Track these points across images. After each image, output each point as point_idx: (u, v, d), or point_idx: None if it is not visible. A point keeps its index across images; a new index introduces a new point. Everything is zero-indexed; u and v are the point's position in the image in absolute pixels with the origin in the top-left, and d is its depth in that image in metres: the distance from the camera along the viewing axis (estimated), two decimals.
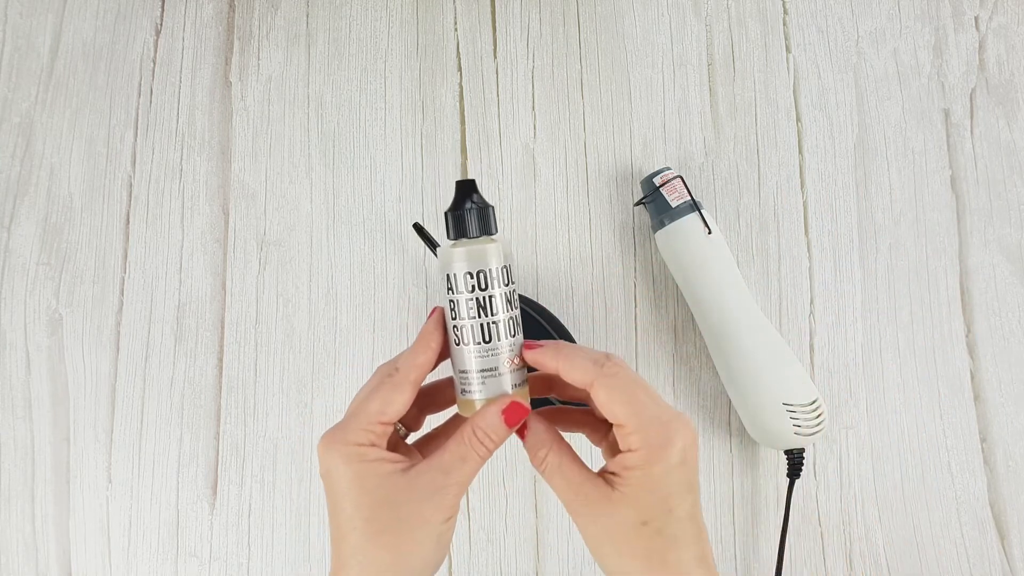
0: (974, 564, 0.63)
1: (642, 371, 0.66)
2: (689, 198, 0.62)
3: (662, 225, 0.63)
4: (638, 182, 0.69)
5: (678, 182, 0.63)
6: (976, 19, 0.72)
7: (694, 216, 0.62)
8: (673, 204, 0.62)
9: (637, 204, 0.65)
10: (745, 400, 0.60)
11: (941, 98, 0.71)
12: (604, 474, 0.38)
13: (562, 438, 0.41)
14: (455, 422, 0.45)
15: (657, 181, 0.63)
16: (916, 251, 0.68)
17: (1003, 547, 0.63)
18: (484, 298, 0.40)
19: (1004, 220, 0.68)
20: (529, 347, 0.40)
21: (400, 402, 0.39)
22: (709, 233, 0.61)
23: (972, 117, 0.70)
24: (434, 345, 0.41)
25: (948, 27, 0.72)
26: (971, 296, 0.67)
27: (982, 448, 0.65)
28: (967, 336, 0.67)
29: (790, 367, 0.59)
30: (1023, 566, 0.63)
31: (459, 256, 0.40)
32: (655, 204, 0.63)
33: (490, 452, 0.39)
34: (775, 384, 0.58)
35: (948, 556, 0.63)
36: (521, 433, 0.41)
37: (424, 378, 0.41)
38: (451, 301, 0.41)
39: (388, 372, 0.40)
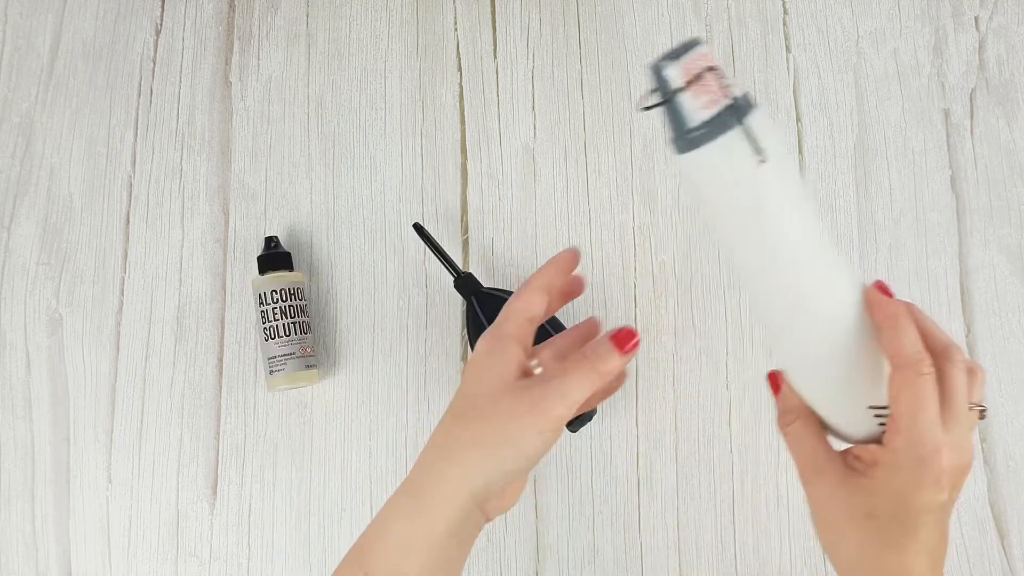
0: (974, 564, 0.63)
1: (642, 371, 0.66)
2: (727, 101, 0.34)
3: (685, 149, 0.36)
4: (627, 186, 0.69)
5: (711, 76, 0.34)
6: (976, 19, 0.72)
7: (734, 135, 0.34)
8: (696, 118, 0.34)
9: (646, 109, 0.36)
10: (821, 405, 0.42)
11: (941, 98, 0.71)
12: (849, 454, 0.39)
13: (809, 409, 0.41)
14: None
15: (675, 73, 0.34)
16: (916, 251, 0.68)
17: (1003, 547, 0.63)
18: None
19: (1004, 220, 0.68)
20: (882, 288, 0.38)
21: (535, 299, 0.42)
22: (762, 162, 0.34)
23: (972, 117, 0.70)
24: (565, 257, 0.45)
25: (948, 27, 0.72)
26: (971, 296, 0.67)
27: (982, 448, 0.65)
28: (967, 336, 0.67)
29: (877, 360, 0.39)
30: (1023, 566, 0.63)
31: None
32: (671, 113, 0.35)
33: (598, 372, 0.39)
34: (859, 386, 0.39)
35: (948, 556, 0.63)
36: (775, 389, 0.42)
37: (551, 286, 0.44)
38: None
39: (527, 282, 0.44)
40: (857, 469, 0.38)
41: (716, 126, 0.34)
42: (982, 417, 0.38)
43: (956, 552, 0.63)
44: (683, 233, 0.69)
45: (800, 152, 0.70)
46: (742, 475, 0.64)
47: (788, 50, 0.72)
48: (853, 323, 0.37)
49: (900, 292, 0.68)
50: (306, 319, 0.66)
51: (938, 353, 0.37)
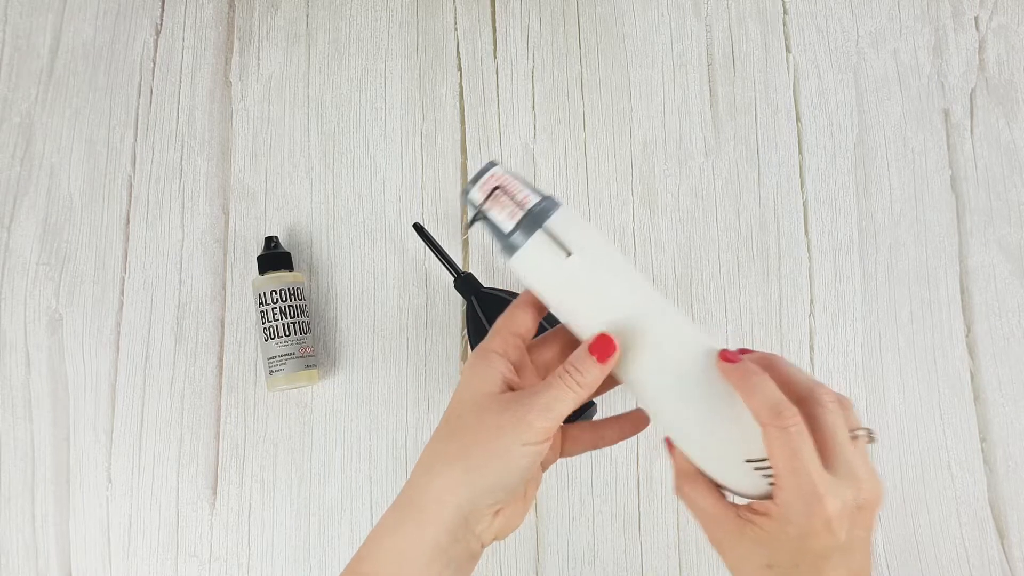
0: (974, 564, 0.63)
1: None
2: (522, 212, 0.39)
3: (509, 255, 0.40)
4: (627, 186, 0.69)
5: (501, 194, 0.39)
6: (976, 19, 0.72)
7: (537, 237, 0.39)
8: (506, 228, 0.39)
9: (469, 226, 0.42)
10: (704, 464, 0.41)
11: (941, 98, 0.71)
12: (745, 509, 0.39)
13: (698, 471, 0.41)
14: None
15: (476, 194, 0.40)
16: (916, 251, 0.68)
17: (1003, 547, 0.63)
18: None
19: (1004, 220, 0.68)
20: (726, 358, 0.39)
21: (522, 315, 0.43)
22: (568, 255, 0.39)
23: (972, 117, 0.70)
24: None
25: (948, 27, 0.72)
26: (971, 296, 0.67)
27: (982, 448, 0.65)
28: (967, 336, 0.67)
29: (740, 409, 0.38)
30: (1023, 566, 0.63)
31: None
32: (489, 228, 0.40)
33: (579, 385, 0.40)
34: (731, 442, 0.40)
35: (948, 556, 0.63)
36: (670, 453, 0.43)
37: (542, 308, 0.44)
38: None
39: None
40: (752, 522, 0.38)
41: (522, 233, 0.39)
42: (871, 440, 0.38)
43: (956, 552, 0.63)
44: (683, 233, 0.69)
45: (800, 152, 0.70)
46: None
47: (788, 50, 0.72)
48: (706, 382, 0.39)
49: (900, 292, 0.68)
50: (306, 319, 0.66)
51: (804, 398, 0.38)
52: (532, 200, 0.39)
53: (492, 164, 0.40)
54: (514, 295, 0.63)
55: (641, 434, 0.65)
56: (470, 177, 0.41)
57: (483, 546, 0.43)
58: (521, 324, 0.43)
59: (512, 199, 0.39)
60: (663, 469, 0.65)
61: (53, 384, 0.68)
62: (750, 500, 0.40)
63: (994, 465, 0.64)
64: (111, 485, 0.66)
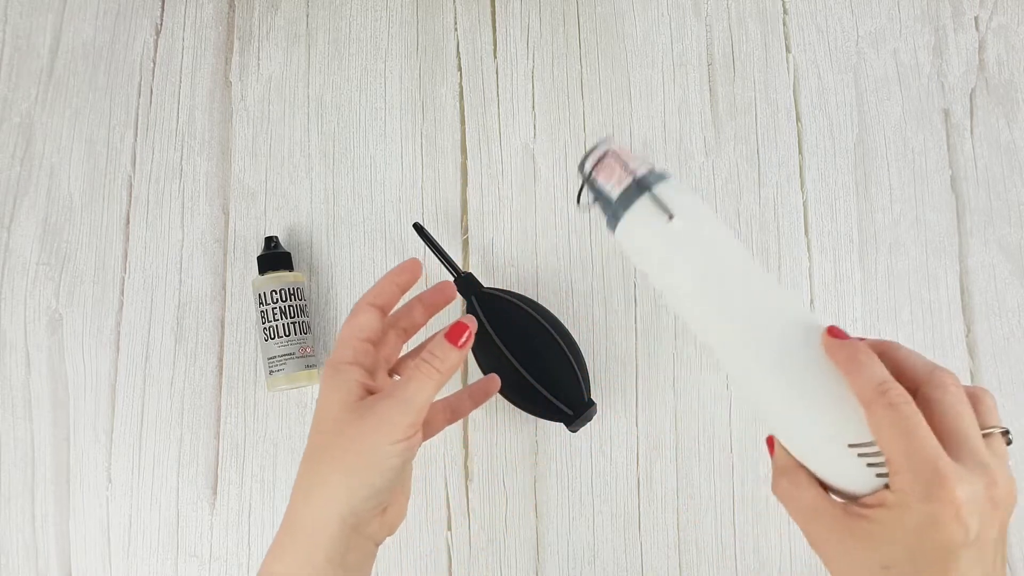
0: None
1: (642, 371, 0.66)
2: (632, 177, 0.40)
3: (614, 225, 0.41)
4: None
5: (612, 159, 0.41)
6: (976, 19, 0.72)
7: (644, 201, 0.39)
8: (613, 193, 0.40)
9: (579, 203, 0.42)
10: (805, 454, 0.38)
11: (941, 98, 0.71)
12: (854, 504, 0.35)
13: (799, 466, 0.37)
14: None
15: (588, 164, 0.41)
16: (916, 251, 0.68)
17: None
18: None
19: (1004, 220, 0.68)
20: (834, 334, 0.36)
21: (364, 319, 0.43)
22: (670, 219, 0.39)
23: (972, 117, 0.70)
24: (399, 268, 0.46)
25: (948, 27, 0.72)
26: (971, 296, 0.67)
27: None
28: (967, 336, 0.67)
29: (843, 389, 0.36)
30: (1023, 566, 0.63)
31: None
32: (598, 200, 0.42)
33: (437, 371, 0.40)
34: (832, 425, 0.36)
35: None
36: (770, 451, 0.40)
37: (384, 304, 0.45)
38: None
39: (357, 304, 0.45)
40: (863, 515, 0.34)
41: (627, 198, 0.40)
42: (1009, 442, 0.35)
43: None
44: None
45: (800, 152, 0.70)
46: (742, 475, 0.64)
47: (788, 50, 0.72)
48: (811, 360, 0.37)
49: (900, 292, 0.68)
50: (306, 319, 0.66)
51: (922, 382, 0.35)
52: (641, 169, 0.40)
53: (605, 139, 0.42)
54: (515, 295, 0.63)
55: (642, 434, 0.65)
56: (585, 152, 0.42)
57: (377, 544, 0.43)
58: (366, 328, 0.43)
59: (622, 166, 0.40)
60: (663, 469, 0.65)
61: (53, 384, 0.68)
62: (854, 496, 0.36)
63: None
64: (111, 485, 0.66)
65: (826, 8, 0.72)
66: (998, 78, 0.71)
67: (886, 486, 0.34)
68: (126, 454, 0.66)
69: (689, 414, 0.65)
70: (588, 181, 0.41)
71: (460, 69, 0.72)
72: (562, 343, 0.61)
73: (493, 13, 0.73)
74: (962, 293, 0.67)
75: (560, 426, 0.63)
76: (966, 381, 0.66)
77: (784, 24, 0.72)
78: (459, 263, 0.67)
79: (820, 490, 0.37)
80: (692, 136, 0.70)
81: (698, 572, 0.63)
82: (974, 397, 0.35)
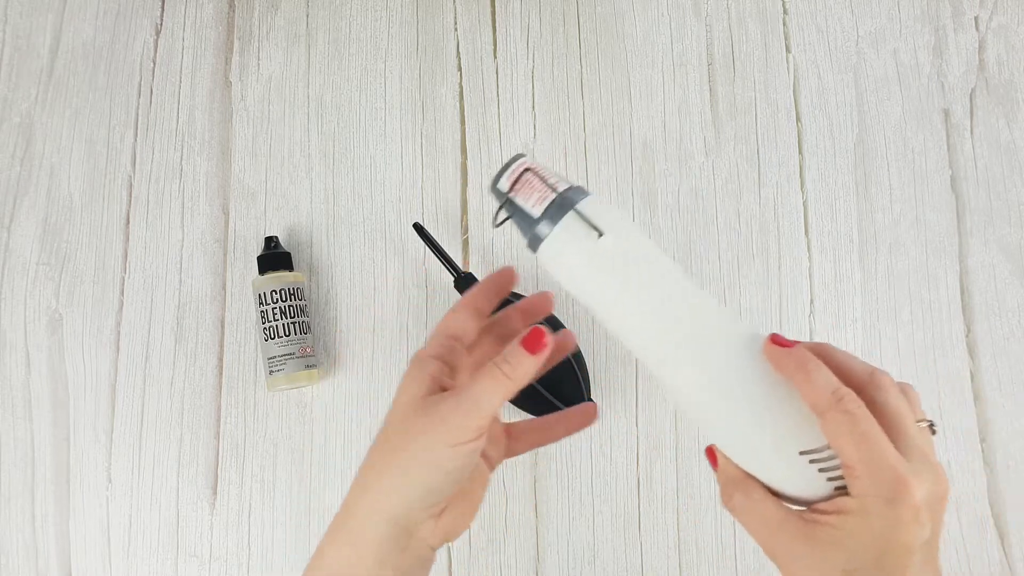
0: (974, 564, 0.63)
1: (642, 371, 0.66)
2: (554, 194, 0.38)
3: (537, 244, 0.39)
4: (627, 186, 0.69)
5: (531, 176, 0.38)
6: (976, 19, 0.72)
7: (570, 219, 0.37)
8: (535, 211, 0.38)
9: (497, 225, 0.40)
10: (755, 466, 0.38)
11: (941, 98, 0.71)
12: (811, 512, 0.35)
13: (750, 476, 0.38)
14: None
15: (504, 183, 0.39)
16: (916, 251, 0.68)
17: (1003, 547, 0.63)
18: None
19: (1004, 220, 0.68)
20: (778, 342, 0.36)
21: (455, 316, 0.42)
22: (599, 236, 0.37)
23: (972, 117, 0.70)
24: (496, 275, 0.44)
25: (948, 27, 0.72)
26: (971, 296, 0.67)
27: (982, 448, 0.65)
28: (967, 336, 0.67)
29: (790, 397, 0.36)
30: (1023, 566, 0.63)
31: None
32: (517, 220, 0.39)
33: (508, 377, 0.38)
34: (783, 434, 0.36)
35: (948, 556, 0.63)
36: (713, 464, 0.40)
37: (480, 307, 0.43)
38: None
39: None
40: (821, 523, 0.34)
41: (550, 217, 0.37)
42: (934, 433, 0.36)
43: (956, 552, 0.63)
44: (683, 233, 0.69)
45: (800, 152, 0.70)
46: None
47: (788, 50, 0.72)
48: (751, 371, 0.36)
49: (900, 292, 0.68)
50: (306, 319, 0.66)
51: (865, 384, 0.35)
52: (562, 185, 0.38)
53: (520, 155, 0.39)
54: (515, 295, 0.63)
55: (642, 434, 0.65)
56: (498, 171, 0.39)
57: (433, 549, 0.41)
58: (456, 326, 0.42)
59: (543, 183, 0.38)
60: (663, 469, 0.65)
61: (53, 384, 0.68)
62: (811, 504, 0.36)
63: (994, 465, 0.64)
64: (111, 485, 0.66)
65: (826, 8, 0.72)
66: (998, 78, 0.71)
67: (838, 489, 0.35)
68: (126, 454, 0.66)
69: None
70: (506, 200, 0.38)
71: (460, 69, 0.72)
72: None
73: (493, 13, 0.73)
74: (962, 293, 0.67)
75: None
76: (966, 381, 0.66)
77: (784, 24, 0.72)
78: (459, 263, 0.67)
79: (776, 500, 0.36)
80: (692, 136, 0.70)
81: (698, 572, 0.63)
82: (905, 393, 0.36)
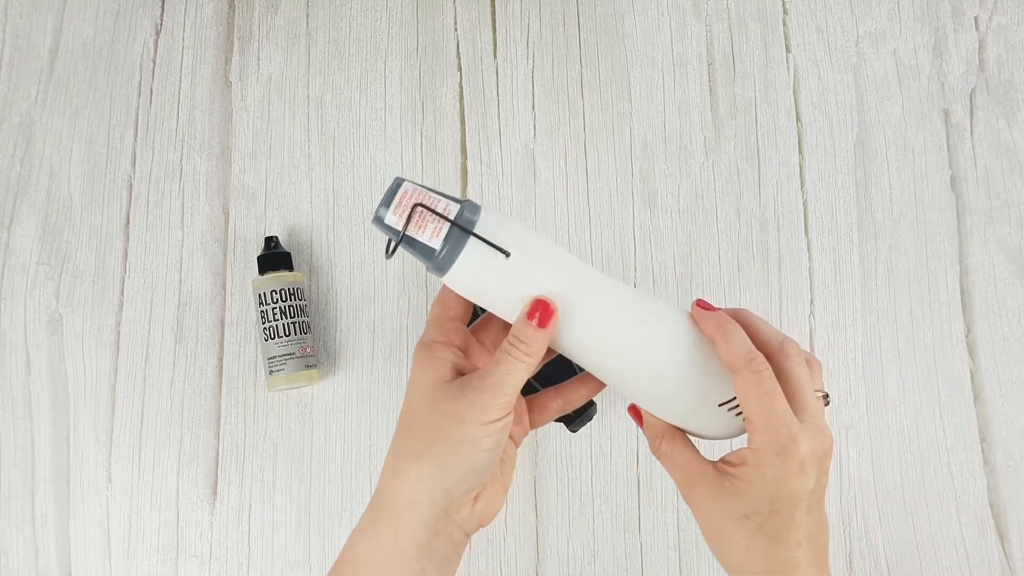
0: (974, 564, 0.63)
1: None
2: (447, 224, 0.37)
3: (443, 272, 0.38)
4: (627, 186, 0.69)
5: (422, 210, 0.37)
6: (976, 19, 0.72)
7: (471, 247, 0.37)
8: (433, 245, 0.37)
9: (390, 255, 0.39)
10: (679, 419, 0.43)
11: (941, 98, 0.71)
12: (721, 463, 0.40)
13: (675, 428, 0.43)
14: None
15: (392, 218, 0.37)
16: (916, 251, 0.68)
17: (1003, 547, 0.63)
18: None
19: (1004, 220, 0.68)
20: (703, 305, 0.40)
21: (452, 297, 0.43)
22: (507, 256, 0.37)
23: (972, 117, 0.70)
24: None
25: (948, 27, 0.72)
26: (971, 296, 0.67)
27: (982, 448, 0.65)
28: (967, 336, 0.67)
29: (709, 359, 0.40)
30: (1023, 566, 0.63)
31: None
32: (414, 250, 0.38)
33: (525, 354, 0.40)
34: (702, 392, 0.41)
35: (948, 556, 0.63)
36: (638, 420, 0.44)
37: None
38: None
39: None
40: (729, 473, 0.39)
41: (452, 246, 0.37)
42: (827, 403, 0.40)
43: (956, 552, 0.63)
44: (683, 233, 0.69)
45: (800, 152, 0.70)
46: None
47: (788, 50, 0.72)
48: (675, 338, 0.40)
49: (900, 292, 0.68)
50: (306, 319, 0.66)
51: (774, 351, 0.39)
52: (453, 209, 0.37)
53: (400, 180, 0.38)
54: None
55: (642, 435, 0.65)
56: (379, 200, 0.38)
57: (467, 535, 0.42)
58: (454, 307, 0.43)
59: (433, 214, 0.37)
60: (663, 469, 0.65)
61: (53, 384, 0.68)
62: (728, 438, 0.42)
63: (994, 465, 0.64)
64: (111, 485, 0.66)
65: (826, 8, 0.72)
66: (998, 78, 0.71)
67: (743, 431, 0.40)
68: (126, 454, 0.66)
69: None
70: (403, 237, 0.37)
71: (460, 69, 0.72)
72: None
73: (493, 13, 0.73)
74: (962, 293, 0.67)
75: (560, 426, 0.63)
76: (966, 381, 0.66)
77: (784, 24, 0.72)
78: None
79: (694, 452, 0.42)
80: (692, 136, 0.70)
81: (698, 572, 0.63)
82: (809, 363, 0.40)
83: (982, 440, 0.65)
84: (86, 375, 0.68)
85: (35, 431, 0.67)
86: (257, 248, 0.69)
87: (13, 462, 0.67)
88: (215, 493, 0.66)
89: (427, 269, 0.39)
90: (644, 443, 0.65)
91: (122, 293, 0.69)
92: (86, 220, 0.70)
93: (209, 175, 0.71)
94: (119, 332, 0.68)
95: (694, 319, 0.40)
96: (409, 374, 0.42)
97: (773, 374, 0.38)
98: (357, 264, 0.69)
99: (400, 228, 0.37)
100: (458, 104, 0.71)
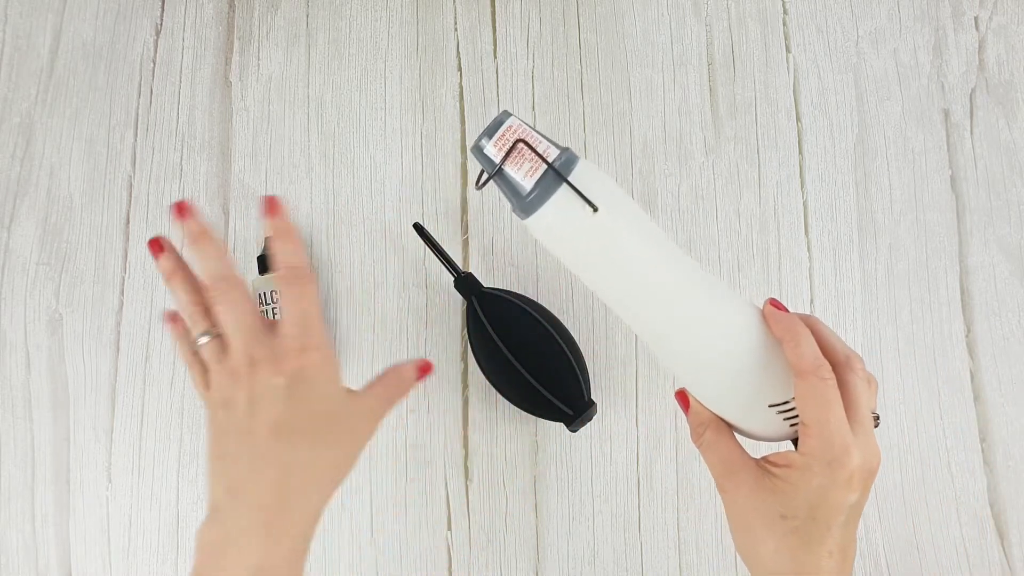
0: (974, 564, 0.63)
1: (642, 371, 0.66)
2: (544, 166, 0.36)
3: (526, 214, 0.38)
4: (627, 186, 0.69)
5: (523, 147, 0.37)
6: (976, 19, 0.72)
7: (561, 194, 0.36)
8: (525, 185, 0.37)
9: (480, 187, 0.38)
10: (728, 412, 0.43)
11: (941, 98, 0.71)
12: (764, 460, 0.41)
13: (720, 419, 0.43)
14: None
15: (492, 150, 0.37)
16: (916, 251, 0.68)
17: (1003, 547, 0.63)
18: None
19: (1004, 220, 0.68)
20: (776, 305, 0.40)
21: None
22: (595, 211, 0.36)
23: (972, 117, 0.70)
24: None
25: (948, 27, 0.72)
26: (971, 296, 0.67)
27: (982, 448, 0.65)
28: (967, 336, 0.67)
29: (769, 359, 0.40)
30: (1023, 566, 0.63)
31: None
32: (503, 186, 0.38)
33: (402, 395, 0.47)
34: (757, 390, 0.41)
35: (948, 556, 0.63)
36: (685, 407, 0.44)
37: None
38: None
39: None
40: (771, 472, 0.40)
41: (543, 189, 0.36)
42: (876, 425, 0.40)
43: (956, 552, 0.63)
44: (683, 233, 0.69)
45: (800, 152, 0.70)
46: None
47: (788, 50, 0.72)
48: (739, 335, 0.40)
49: (900, 292, 0.68)
50: None
51: (840, 363, 0.40)
52: (552, 153, 0.37)
53: (507, 114, 0.37)
54: (515, 295, 0.63)
55: (642, 435, 0.65)
56: (480, 133, 0.37)
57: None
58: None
59: (533, 152, 0.36)
60: (663, 469, 0.65)
61: (53, 384, 0.68)
62: (771, 441, 0.42)
63: (994, 465, 0.64)
64: (111, 485, 0.66)
65: (826, 8, 0.72)
66: (998, 78, 0.71)
67: (792, 427, 0.40)
68: (126, 454, 0.66)
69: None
70: (498, 170, 0.37)
71: (460, 69, 0.72)
72: (562, 343, 0.61)
73: (493, 13, 0.73)
74: (962, 293, 0.67)
75: (560, 426, 0.63)
76: (966, 381, 0.66)
77: (784, 24, 0.72)
78: (459, 263, 0.67)
79: (737, 445, 0.42)
80: (692, 136, 0.70)
81: (698, 572, 0.63)
82: (868, 382, 0.41)
83: (982, 440, 0.65)
84: (86, 375, 0.68)
85: (35, 431, 0.67)
86: (257, 248, 0.69)
87: (13, 462, 0.67)
88: None
89: (511, 208, 0.39)
90: (644, 443, 0.65)
91: (122, 293, 0.69)
92: (86, 220, 0.70)
93: (209, 175, 0.71)
94: (119, 332, 0.68)
95: (764, 317, 0.40)
96: (300, 375, 0.44)
97: (836, 385, 0.38)
98: (357, 264, 0.69)
99: (497, 161, 0.37)
100: (458, 104, 0.71)
